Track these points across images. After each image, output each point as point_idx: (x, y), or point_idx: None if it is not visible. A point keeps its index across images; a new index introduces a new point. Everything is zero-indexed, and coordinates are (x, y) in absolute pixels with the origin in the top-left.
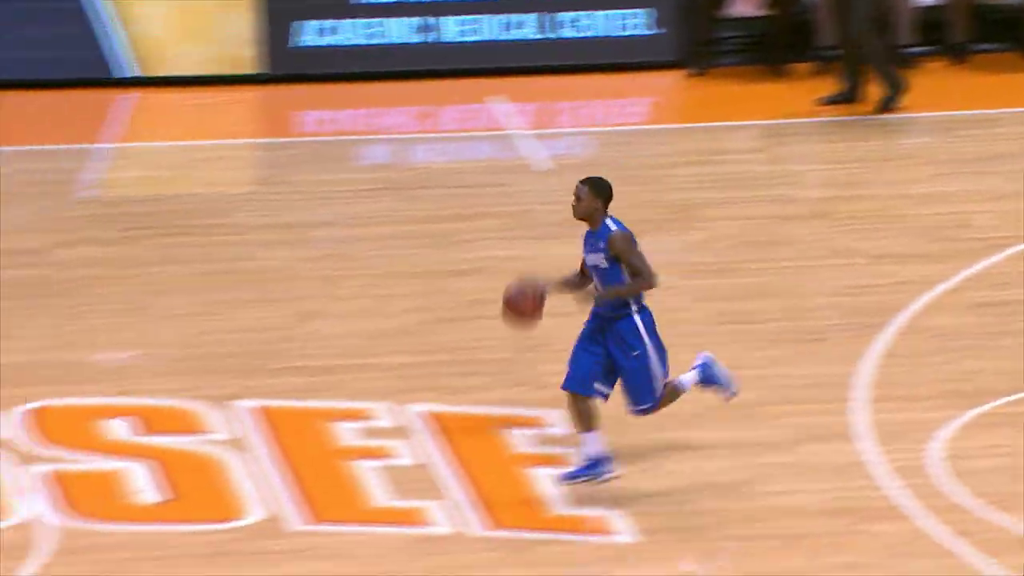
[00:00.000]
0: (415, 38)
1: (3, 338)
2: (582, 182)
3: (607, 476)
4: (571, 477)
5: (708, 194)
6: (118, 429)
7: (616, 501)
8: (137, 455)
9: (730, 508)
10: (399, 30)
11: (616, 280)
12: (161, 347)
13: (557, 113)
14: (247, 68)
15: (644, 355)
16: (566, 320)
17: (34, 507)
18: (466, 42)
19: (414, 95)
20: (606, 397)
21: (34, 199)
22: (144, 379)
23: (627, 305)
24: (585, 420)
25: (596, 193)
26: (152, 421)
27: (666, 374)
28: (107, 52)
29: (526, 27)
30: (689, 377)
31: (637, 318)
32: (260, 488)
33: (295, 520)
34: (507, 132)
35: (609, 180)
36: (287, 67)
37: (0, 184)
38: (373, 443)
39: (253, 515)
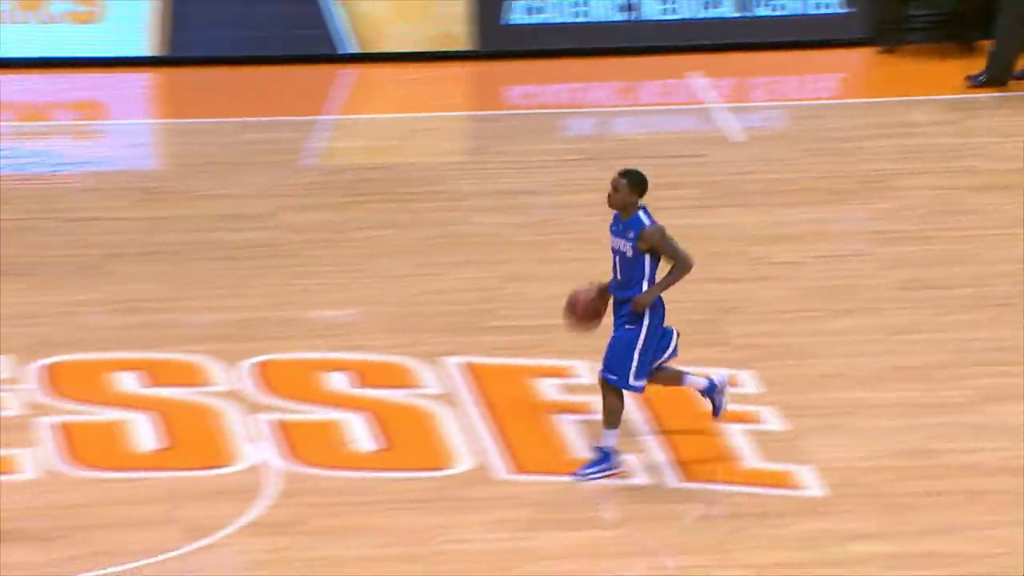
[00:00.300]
0: (617, 16)
1: (234, 296)
2: (621, 175)
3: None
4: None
5: (897, 165)
6: (337, 382)
7: (804, 456)
8: (354, 407)
9: (912, 465)
10: (602, 9)
11: (638, 267)
12: (378, 306)
13: (752, 88)
14: (460, 45)
15: (636, 332)
16: (761, 284)
17: (261, 453)
18: (666, 20)
19: (616, 71)
20: (672, 352)
21: (263, 167)
22: (361, 335)
23: (640, 281)
24: (672, 378)
25: (633, 188)
26: (368, 375)
27: (641, 379)
28: (331, 30)
29: (723, 6)
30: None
31: (647, 313)
32: (468, 439)
33: (501, 470)
34: (704, 106)
35: (646, 173)
36: (497, 44)
37: (232, 153)
38: (574, 399)
39: (461, 465)
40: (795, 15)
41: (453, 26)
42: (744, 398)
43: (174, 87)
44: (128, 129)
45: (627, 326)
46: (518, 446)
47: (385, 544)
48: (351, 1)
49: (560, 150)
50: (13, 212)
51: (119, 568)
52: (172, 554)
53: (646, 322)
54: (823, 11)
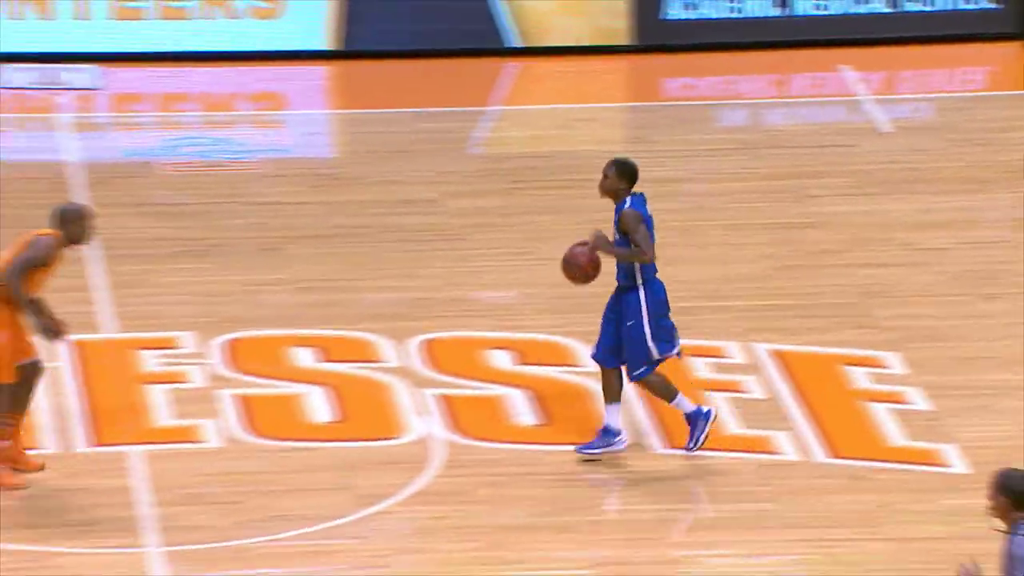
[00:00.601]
0: (771, 12)
1: (403, 277)
2: (612, 162)
3: (619, 447)
4: (587, 448)
5: None
6: (499, 359)
7: (949, 435)
8: (515, 383)
9: None
10: (756, 5)
11: (629, 264)
12: (537, 287)
13: (901, 80)
14: (619, 39)
15: (638, 327)
16: (908, 269)
17: (428, 426)
18: (818, 15)
19: (768, 64)
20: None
21: (432, 155)
22: (522, 316)
23: (634, 277)
24: (611, 392)
25: (621, 174)
26: (528, 353)
27: (668, 350)
28: (497, 25)
29: (874, 2)
30: (688, 405)
31: (641, 292)
32: (622, 415)
33: (655, 444)
34: (854, 97)
35: (636, 162)
36: (655, 38)
37: (403, 141)
38: (723, 377)
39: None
40: (945, 10)
41: (613, 21)
42: (890, 378)
43: (349, 79)
44: (306, 119)
45: (628, 323)
46: (670, 422)
47: (543, 513)
48: None
49: (712, 139)
50: (199, 196)
51: (295, 532)
52: (344, 520)
53: (643, 316)
54: (972, 6)
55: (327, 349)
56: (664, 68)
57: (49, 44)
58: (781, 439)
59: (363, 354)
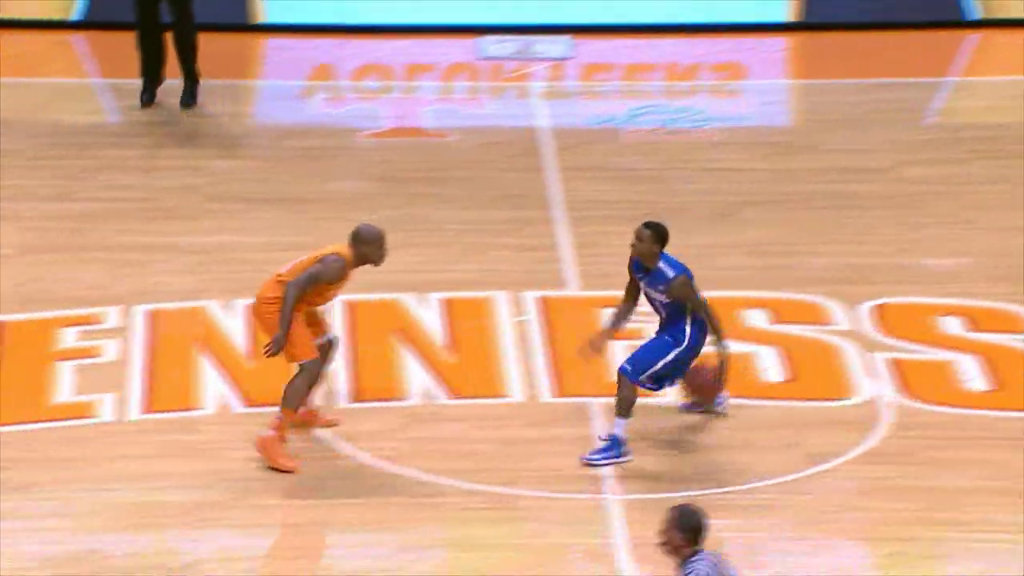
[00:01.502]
0: None
1: (854, 242)
2: (644, 226)
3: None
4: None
5: None
6: (949, 325)
7: None
8: (967, 349)
9: None
10: None
11: (679, 313)
12: (988, 256)
13: None
14: None
15: (671, 346)
16: None
17: (877, 388)
18: None
19: None
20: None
21: (886, 124)
22: (972, 283)
23: (683, 318)
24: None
25: (656, 239)
26: (978, 320)
27: (656, 386)
28: None
29: None
30: (621, 428)
31: (687, 330)
32: None
33: None
34: None
35: (666, 225)
36: None
37: (859, 111)
38: None
39: None
40: None
41: None
42: None
43: (808, 50)
44: (764, 88)
45: (666, 337)
46: None
47: (987, 477)
48: None
49: None
50: (659, 162)
51: (746, 486)
52: (793, 476)
53: (685, 342)
54: None
55: (777, 311)
56: None
57: (525, 16)
58: None
59: (814, 317)
